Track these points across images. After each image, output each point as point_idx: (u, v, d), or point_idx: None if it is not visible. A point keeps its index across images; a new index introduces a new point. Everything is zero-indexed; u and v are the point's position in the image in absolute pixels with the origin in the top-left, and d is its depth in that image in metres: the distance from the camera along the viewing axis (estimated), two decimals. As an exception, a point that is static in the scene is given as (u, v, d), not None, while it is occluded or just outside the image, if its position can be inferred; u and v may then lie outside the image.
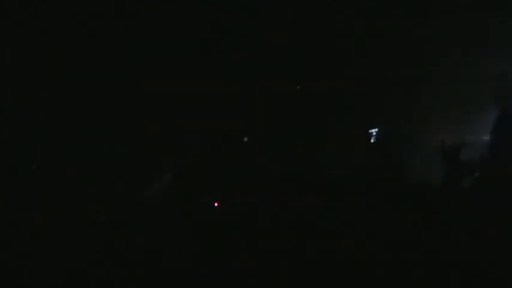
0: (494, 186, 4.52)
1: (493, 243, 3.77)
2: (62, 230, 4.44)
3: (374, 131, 5.45)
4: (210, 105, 5.78)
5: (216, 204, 4.85)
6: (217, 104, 5.80)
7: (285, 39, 5.78)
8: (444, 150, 4.99)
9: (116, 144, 5.61)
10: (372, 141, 5.44)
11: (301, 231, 4.26)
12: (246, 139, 5.78)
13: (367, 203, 4.48)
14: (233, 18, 5.82)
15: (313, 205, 4.58)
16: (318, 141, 5.74)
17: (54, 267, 3.96)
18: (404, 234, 4.08)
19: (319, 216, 4.45)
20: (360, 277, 3.67)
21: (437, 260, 3.71)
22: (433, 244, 3.91)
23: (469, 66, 5.39)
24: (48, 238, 4.30)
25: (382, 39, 5.77)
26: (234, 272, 3.82)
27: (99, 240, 4.34)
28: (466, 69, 5.41)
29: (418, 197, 4.58)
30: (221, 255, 4.04)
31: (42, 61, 5.56)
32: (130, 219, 4.63)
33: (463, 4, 5.51)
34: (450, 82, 5.52)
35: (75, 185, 5.11)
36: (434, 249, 3.84)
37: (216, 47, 5.85)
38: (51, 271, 3.92)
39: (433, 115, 5.56)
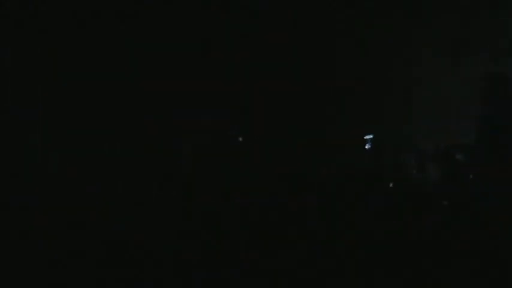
0: (494, 186, 4.52)
1: (493, 243, 3.77)
2: (62, 230, 4.43)
3: (369, 137, 5.46)
4: (210, 105, 5.77)
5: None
6: (217, 104, 5.80)
7: (285, 39, 5.78)
8: (438, 152, 5.02)
9: (116, 144, 5.60)
10: (366, 147, 5.45)
11: (301, 231, 4.26)
12: (240, 139, 5.77)
13: (367, 203, 4.48)
14: (233, 18, 5.82)
15: (313, 205, 4.59)
16: (318, 141, 5.74)
17: (54, 267, 3.96)
18: (404, 234, 4.08)
19: (319, 216, 4.46)
20: (360, 276, 3.67)
21: (436, 259, 3.71)
22: (432, 243, 3.91)
23: (468, 67, 5.40)
24: (48, 238, 4.30)
25: (378, 40, 5.78)
26: (234, 272, 3.82)
27: (99, 240, 4.33)
28: (465, 71, 5.42)
29: (417, 197, 4.59)
30: (221, 255, 4.04)
31: (42, 61, 5.56)
32: (130, 219, 4.63)
33: (456, 6, 5.53)
34: (447, 84, 5.53)
35: (75, 185, 5.11)
36: (433, 249, 3.84)
37: (216, 47, 5.85)
38: (51, 271, 3.92)
39: (430, 116, 5.57)
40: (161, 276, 3.88)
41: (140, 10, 5.72)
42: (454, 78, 5.45)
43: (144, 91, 5.68)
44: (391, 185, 4.94)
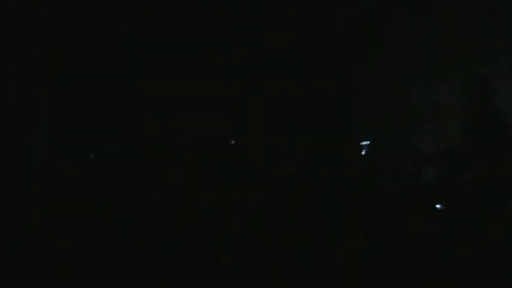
0: (491, 186, 4.53)
1: (493, 243, 3.78)
2: (62, 230, 4.44)
3: (365, 143, 5.47)
4: (209, 105, 5.78)
5: None
6: (217, 104, 5.80)
7: (285, 39, 5.79)
8: (437, 152, 5.04)
9: (116, 144, 5.61)
10: (363, 153, 5.46)
11: (301, 231, 4.26)
12: (232, 142, 5.78)
13: (367, 203, 4.48)
14: (233, 18, 5.82)
15: (313, 205, 4.59)
16: (317, 143, 5.74)
17: (54, 267, 3.96)
18: (403, 234, 4.08)
19: (319, 216, 4.46)
20: (359, 276, 3.67)
21: (436, 259, 3.71)
22: (432, 244, 3.92)
23: (464, 69, 5.41)
24: (48, 238, 4.30)
25: (376, 43, 5.78)
26: (234, 272, 3.82)
27: (99, 240, 4.34)
28: (462, 72, 5.43)
29: (416, 197, 4.59)
30: (221, 255, 4.04)
31: (42, 61, 5.56)
32: (130, 219, 4.63)
33: (453, 7, 5.54)
34: (444, 85, 5.53)
35: (75, 185, 5.11)
36: (433, 249, 3.85)
37: (216, 47, 5.85)
38: (51, 270, 3.92)
39: (428, 118, 5.57)
40: (161, 276, 3.89)
41: (140, 10, 5.72)
42: (452, 80, 5.46)
43: (144, 91, 5.68)
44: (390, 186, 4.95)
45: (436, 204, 4.53)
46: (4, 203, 4.69)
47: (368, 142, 5.45)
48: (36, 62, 5.55)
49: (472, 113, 5.20)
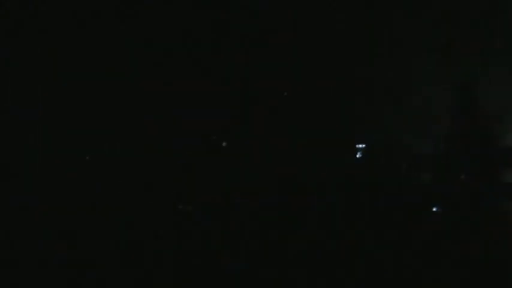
0: (492, 186, 4.54)
1: (493, 243, 3.79)
2: (61, 230, 4.44)
3: (361, 146, 5.48)
4: (209, 105, 5.78)
5: None
6: (217, 104, 5.80)
7: (285, 39, 5.79)
8: (434, 153, 5.05)
9: (116, 144, 5.61)
10: (358, 156, 5.47)
11: (300, 231, 4.27)
12: (224, 143, 5.78)
13: (367, 203, 4.49)
14: (233, 18, 5.82)
15: (313, 205, 4.60)
16: (318, 142, 5.74)
17: (54, 267, 3.96)
18: (403, 234, 4.09)
19: (318, 217, 4.47)
20: (359, 276, 3.67)
21: (436, 260, 3.72)
22: (431, 244, 3.92)
23: (461, 70, 5.42)
24: (48, 238, 4.31)
25: (373, 44, 5.79)
26: (234, 271, 3.82)
27: (99, 240, 4.34)
28: (458, 74, 5.44)
29: (413, 199, 4.60)
30: (221, 255, 4.05)
31: (42, 61, 5.56)
32: (130, 219, 4.64)
33: (448, 9, 5.54)
34: (441, 86, 5.54)
35: (75, 185, 5.11)
36: (433, 249, 3.85)
37: (216, 47, 5.85)
38: (51, 270, 3.93)
39: (425, 119, 5.58)
40: (161, 276, 3.89)
41: (140, 10, 5.72)
42: (450, 80, 5.46)
43: (144, 91, 5.69)
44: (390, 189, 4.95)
45: (434, 206, 4.54)
46: (4, 203, 4.70)
47: (363, 145, 5.46)
48: (36, 62, 5.55)
49: (470, 114, 5.20)
